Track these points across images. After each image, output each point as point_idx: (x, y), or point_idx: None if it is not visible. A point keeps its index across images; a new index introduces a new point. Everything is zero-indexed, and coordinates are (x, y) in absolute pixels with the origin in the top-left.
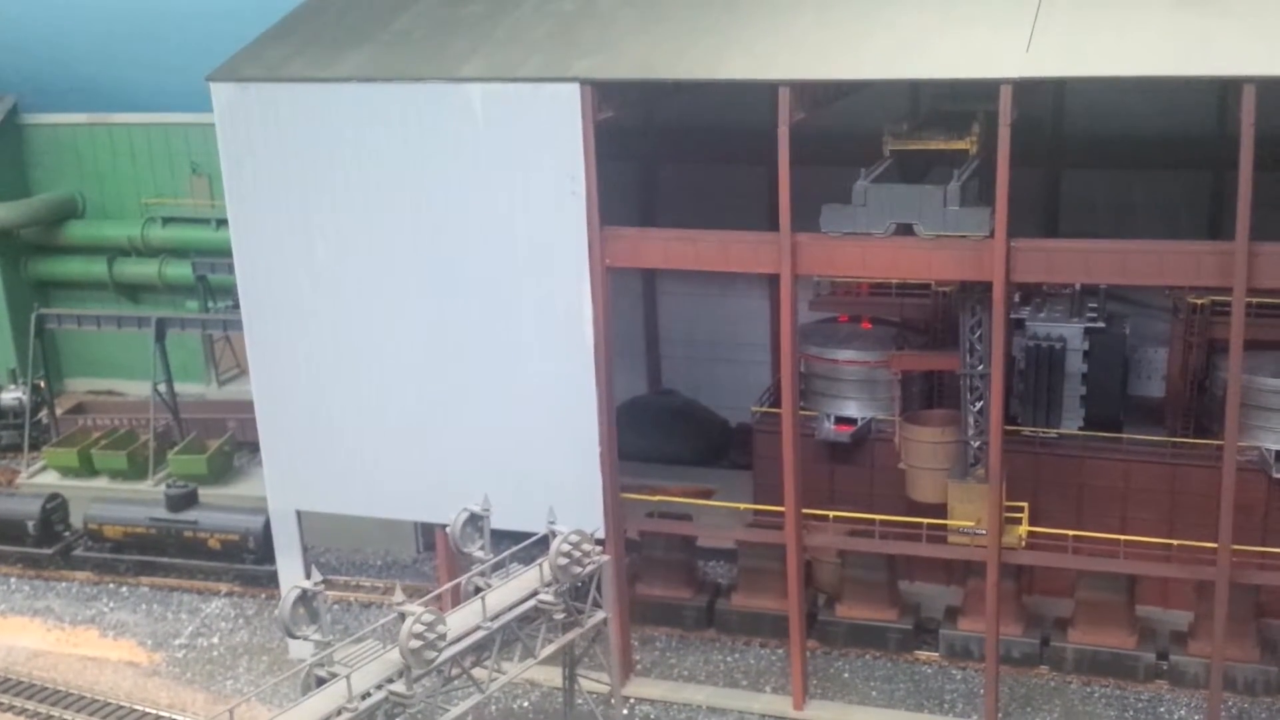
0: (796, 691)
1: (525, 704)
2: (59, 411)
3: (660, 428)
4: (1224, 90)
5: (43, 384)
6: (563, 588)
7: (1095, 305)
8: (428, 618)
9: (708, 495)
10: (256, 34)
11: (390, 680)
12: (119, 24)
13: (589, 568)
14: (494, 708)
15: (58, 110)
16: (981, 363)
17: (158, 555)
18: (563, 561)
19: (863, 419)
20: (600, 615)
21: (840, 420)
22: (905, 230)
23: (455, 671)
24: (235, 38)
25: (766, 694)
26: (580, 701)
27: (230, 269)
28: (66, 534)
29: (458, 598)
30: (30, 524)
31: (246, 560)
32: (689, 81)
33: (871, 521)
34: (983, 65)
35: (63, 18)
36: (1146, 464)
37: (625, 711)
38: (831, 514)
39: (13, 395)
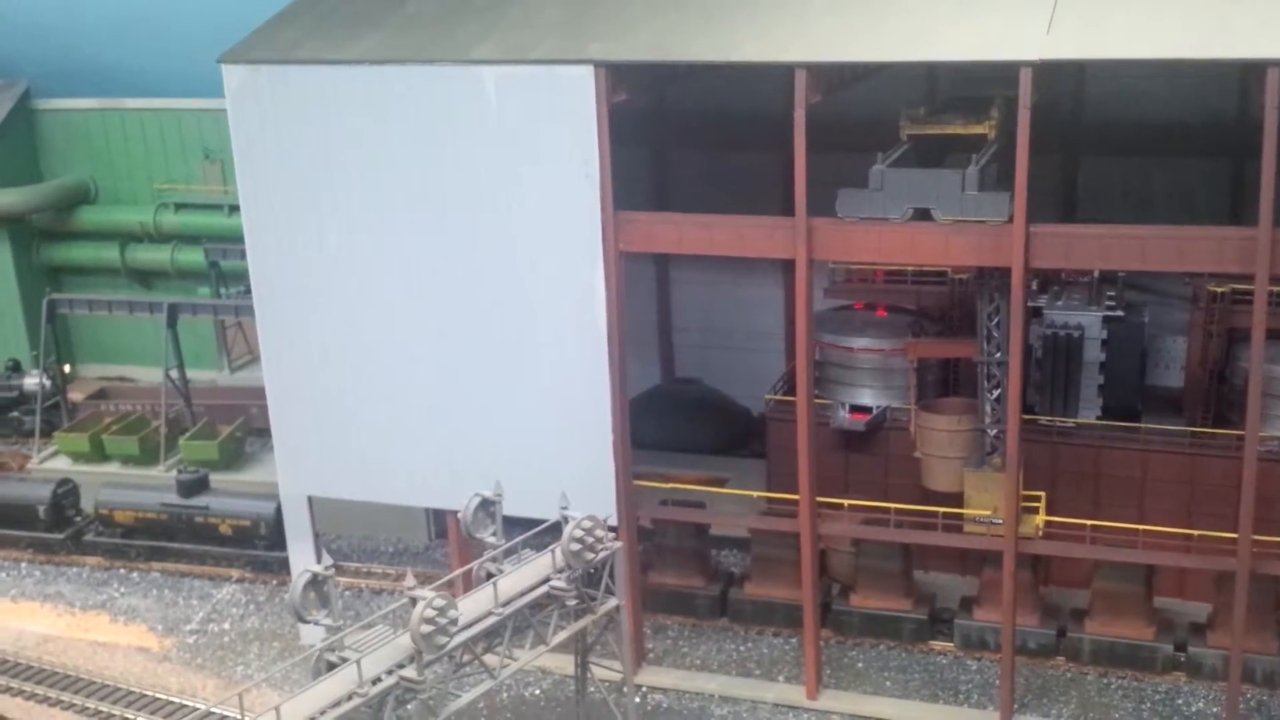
0: (810, 681)
1: (537, 691)
2: (81, 396)
3: (682, 417)
4: (1244, 75)
5: (67, 369)
6: (575, 574)
7: (1113, 294)
8: (439, 603)
9: (721, 483)
10: (270, 16)
11: (401, 665)
12: (131, 8)
13: (601, 554)
14: (505, 695)
15: (70, 95)
16: (999, 351)
17: (169, 541)
18: (575, 547)
19: (878, 407)
20: (613, 602)
21: (855, 408)
22: (922, 215)
23: (466, 657)
24: (247, 22)
25: (780, 683)
26: (592, 689)
27: (242, 255)
28: (77, 519)
29: (469, 584)
30: (41, 509)
31: (258, 546)
32: (704, 63)
33: (887, 510)
34: (1003, 48)
35: (75, 2)
36: (1165, 454)
37: (637, 700)
38: (846, 503)
39: (34, 380)
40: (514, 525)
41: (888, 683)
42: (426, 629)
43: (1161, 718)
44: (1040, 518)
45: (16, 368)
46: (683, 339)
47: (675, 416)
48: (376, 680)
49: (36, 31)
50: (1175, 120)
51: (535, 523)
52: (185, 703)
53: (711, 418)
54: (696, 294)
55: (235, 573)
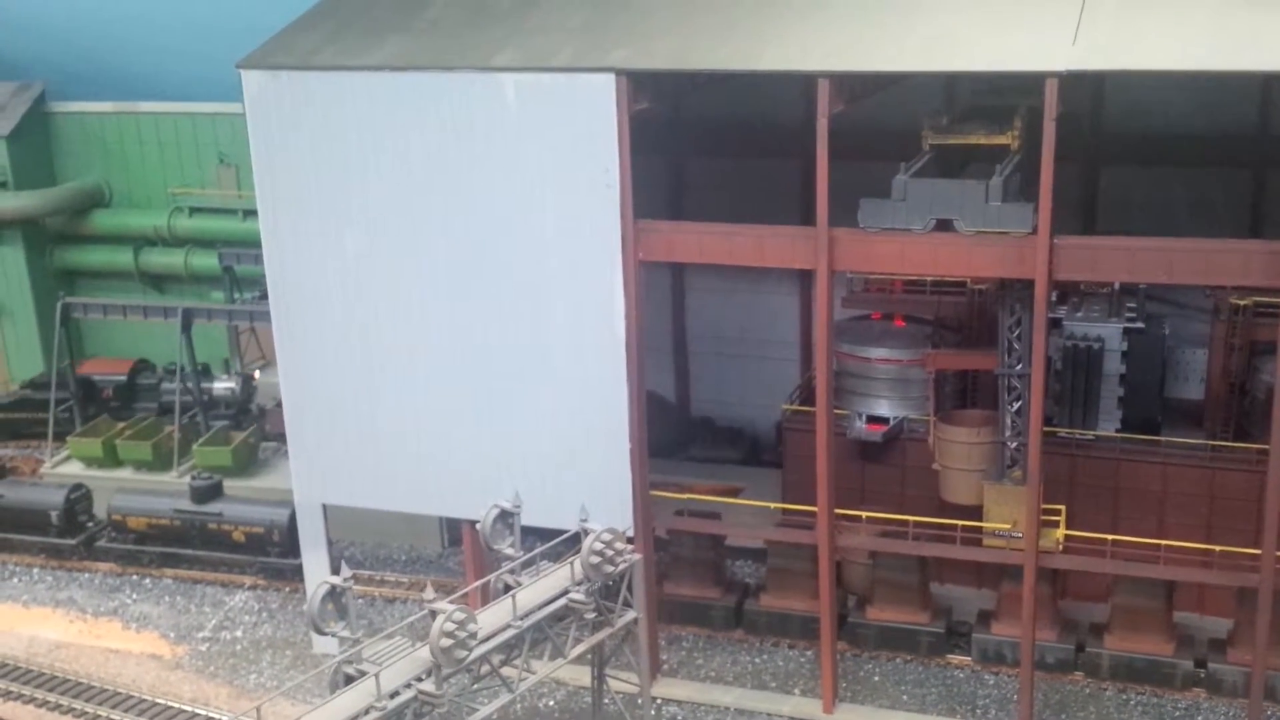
0: (826, 694)
1: (551, 703)
2: (271, 404)
3: None
4: (1267, 87)
5: (257, 375)
6: (594, 587)
7: (1134, 305)
8: (459, 616)
9: (736, 493)
10: (287, 22)
11: (419, 679)
12: (147, 12)
13: (621, 567)
14: (520, 706)
15: (85, 98)
16: (1020, 362)
17: (182, 547)
18: (595, 560)
19: (895, 418)
20: (631, 615)
21: (872, 419)
22: (945, 226)
23: (484, 670)
24: (265, 26)
25: (795, 696)
26: (607, 701)
27: (256, 260)
28: (90, 525)
29: (486, 595)
30: (54, 514)
31: (271, 553)
32: (726, 72)
33: (904, 522)
34: (1029, 59)
35: (90, 5)
36: (1185, 467)
37: (653, 712)
38: (864, 514)
39: (225, 385)
40: (530, 534)
41: (904, 697)
42: (446, 642)
43: None
44: (1060, 531)
45: (205, 371)
46: (697, 347)
47: None
48: (394, 694)
49: (53, 34)
50: (1195, 131)
51: (551, 532)
52: (198, 711)
53: None
54: (711, 302)
55: (248, 580)
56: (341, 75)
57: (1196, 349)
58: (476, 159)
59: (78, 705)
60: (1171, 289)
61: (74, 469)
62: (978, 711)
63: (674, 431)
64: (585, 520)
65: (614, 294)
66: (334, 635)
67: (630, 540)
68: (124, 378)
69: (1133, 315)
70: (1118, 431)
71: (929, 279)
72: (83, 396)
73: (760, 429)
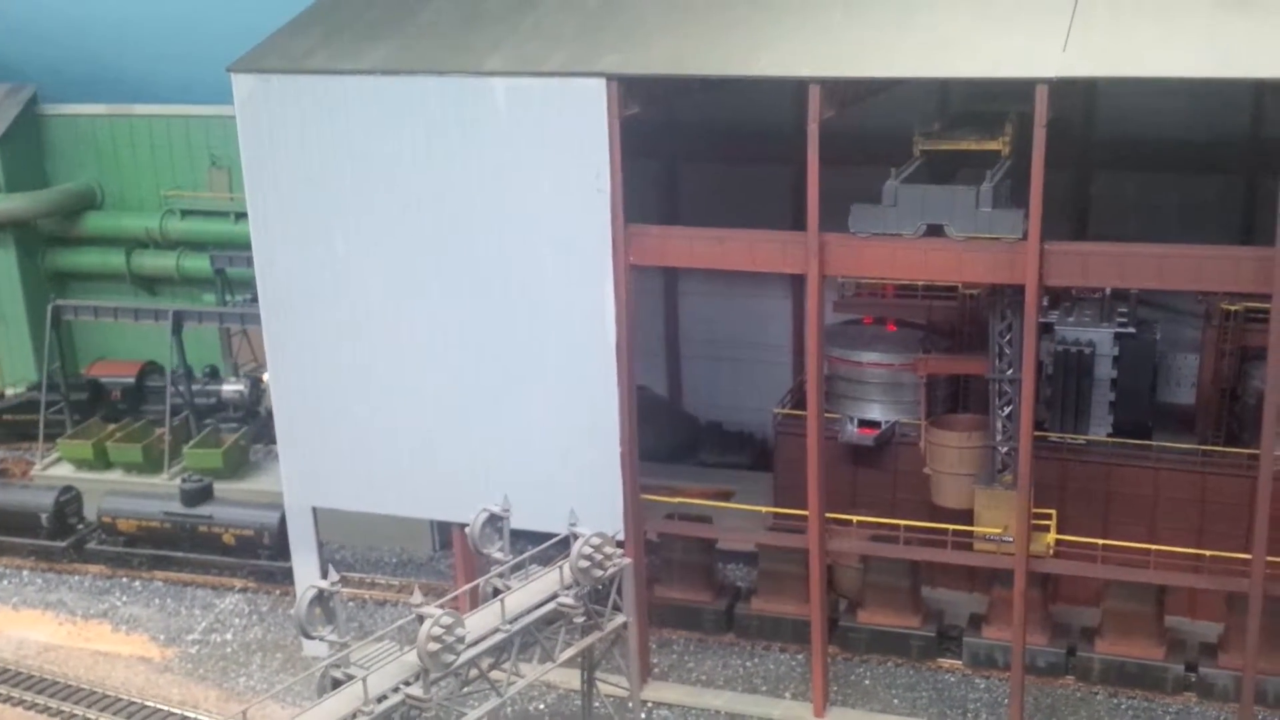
0: (817, 698)
1: (541, 706)
2: None
3: None
4: (1259, 93)
5: (265, 377)
6: (583, 591)
7: (1125, 310)
8: (447, 620)
9: (727, 496)
10: (281, 24)
11: (407, 683)
12: (140, 14)
13: (610, 571)
14: (510, 710)
15: (77, 100)
16: (1011, 367)
17: (172, 550)
18: (584, 564)
19: (886, 422)
20: (620, 619)
21: (864, 423)
22: (935, 231)
23: (473, 674)
24: (257, 29)
25: (786, 700)
26: (597, 705)
27: (248, 262)
28: (80, 527)
29: (476, 599)
30: (44, 516)
31: (261, 556)
32: (717, 77)
33: (895, 527)
34: (1020, 65)
35: (83, 7)
36: (1176, 472)
37: (643, 716)
38: (855, 519)
39: (234, 388)
40: (520, 537)
41: (895, 700)
42: (434, 647)
43: None
44: (1051, 536)
45: (214, 374)
46: (689, 351)
47: None
48: (382, 698)
49: (45, 36)
50: (1188, 136)
51: (541, 536)
52: (188, 714)
53: None
54: (704, 306)
55: (238, 583)
56: (332, 79)
57: (1188, 354)
58: (467, 163)
59: (66, 708)
60: (1163, 294)
61: (64, 471)
62: (969, 715)
63: (682, 436)
64: (574, 524)
65: (605, 298)
66: (322, 639)
67: (620, 544)
68: (132, 380)
69: (1124, 320)
70: (1109, 436)
71: (920, 284)
72: (91, 398)
73: (770, 433)
